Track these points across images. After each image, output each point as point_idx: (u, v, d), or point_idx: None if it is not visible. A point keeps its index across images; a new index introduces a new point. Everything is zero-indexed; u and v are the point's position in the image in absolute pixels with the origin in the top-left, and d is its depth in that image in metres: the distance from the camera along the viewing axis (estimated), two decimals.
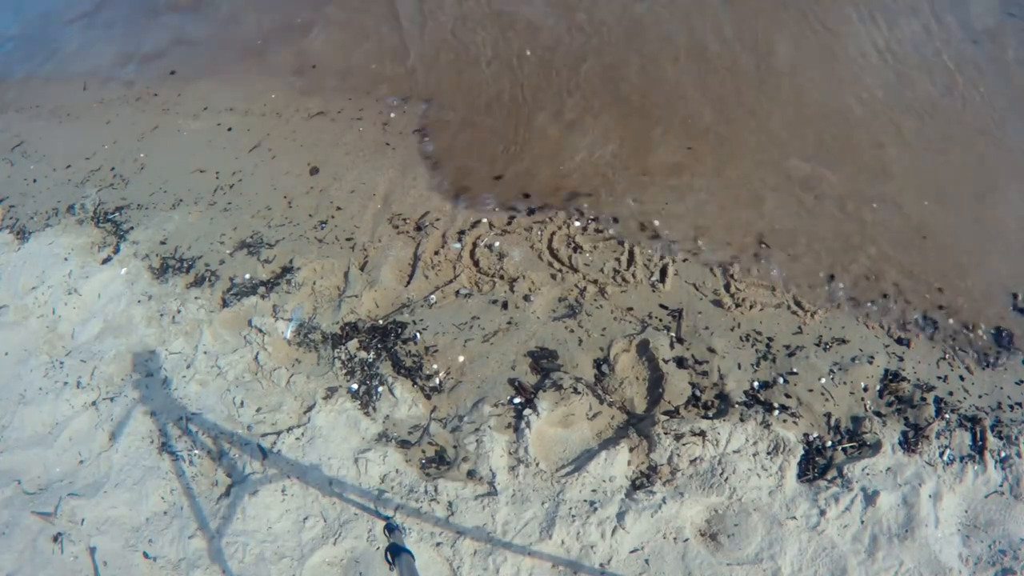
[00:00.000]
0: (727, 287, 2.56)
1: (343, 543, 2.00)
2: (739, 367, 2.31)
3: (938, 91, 3.22)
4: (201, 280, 2.80)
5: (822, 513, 1.95)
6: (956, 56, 3.33)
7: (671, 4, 3.76)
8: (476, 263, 2.71)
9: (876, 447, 2.09)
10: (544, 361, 2.36)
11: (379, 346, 2.47)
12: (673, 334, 2.40)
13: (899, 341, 2.38)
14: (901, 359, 2.33)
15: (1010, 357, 2.33)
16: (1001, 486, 2.03)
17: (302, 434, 2.24)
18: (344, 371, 2.40)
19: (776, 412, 2.18)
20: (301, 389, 2.38)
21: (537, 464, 2.10)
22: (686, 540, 1.95)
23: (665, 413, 2.18)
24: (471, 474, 2.09)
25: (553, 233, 2.79)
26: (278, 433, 2.25)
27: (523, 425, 2.17)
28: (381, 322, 2.55)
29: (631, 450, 2.12)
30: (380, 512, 2.03)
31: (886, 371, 2.29)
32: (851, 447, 2.12)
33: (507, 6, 3.91)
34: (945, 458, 2.07)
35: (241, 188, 3.22)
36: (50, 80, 4.40)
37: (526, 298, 2.56)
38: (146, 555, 2.05)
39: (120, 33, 4.65)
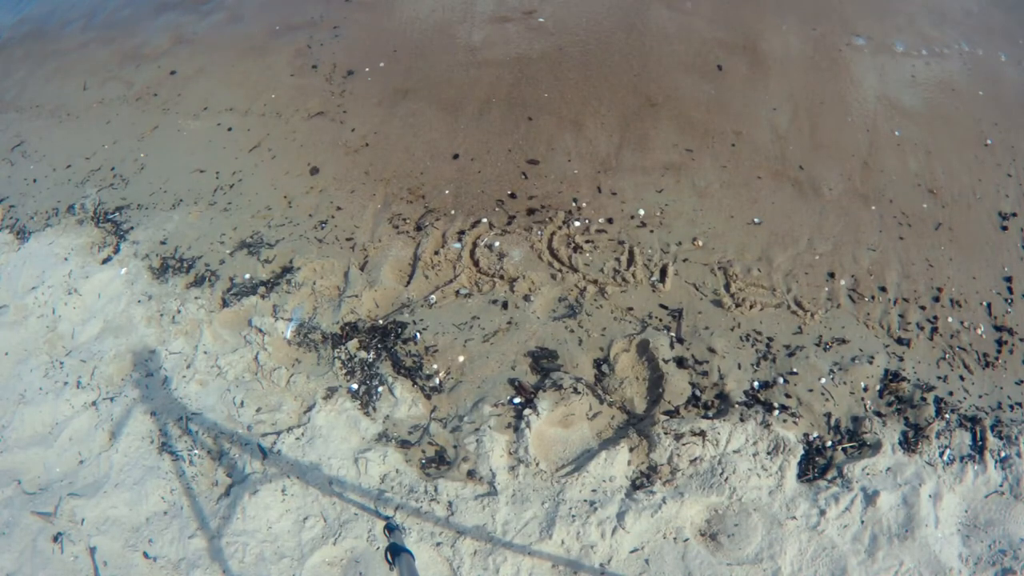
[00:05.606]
0: (727, 287, 2.56)
1: (343, 543, 2.00)
2: (739, 367, 2.31)
3: None
4: (201, 280, 2.80)
5: (822, 513, 1.95)
6: None
7: None
8: (476, 263, 2.71)
9: (876, 447, 2.09)
10: (544, 361, 2.36)
11: (379, 346, 2.47)
12: (673, 334, 2.40)
13: (899, 341, 2.38)
14: (901, 359, 2.33)
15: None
16: (1001, 486, 2.03)
17: (302, 434, 2.24)
18: (344, 371, 2.40)
19: (776, 412, 2.18)
20: (301, 389, 2.38)
21: (537, 464, 2.10)
22: (686, 540, 1.95)
23: (665, 413, 2.18)
24: (471, 474, 2.09)
25: (553, 233, 2.79)
26: (278, 433, 2.25)
27: (523, 425, 2.17)
28: (381, 322, 2.55)
29: (631, 450, 2.12)
30: (380, 512, 2.03)
31: (886, 371, 2.29)
32: (851, 447, 2.12)
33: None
34: (945, 458, 2.07)
35: (241, 188, 3.22)
36: (50, 80, 4.40)
37: (526, 298, 2.56)
38: (146, 555, 2.05)
39: (120, 33, 4.65)
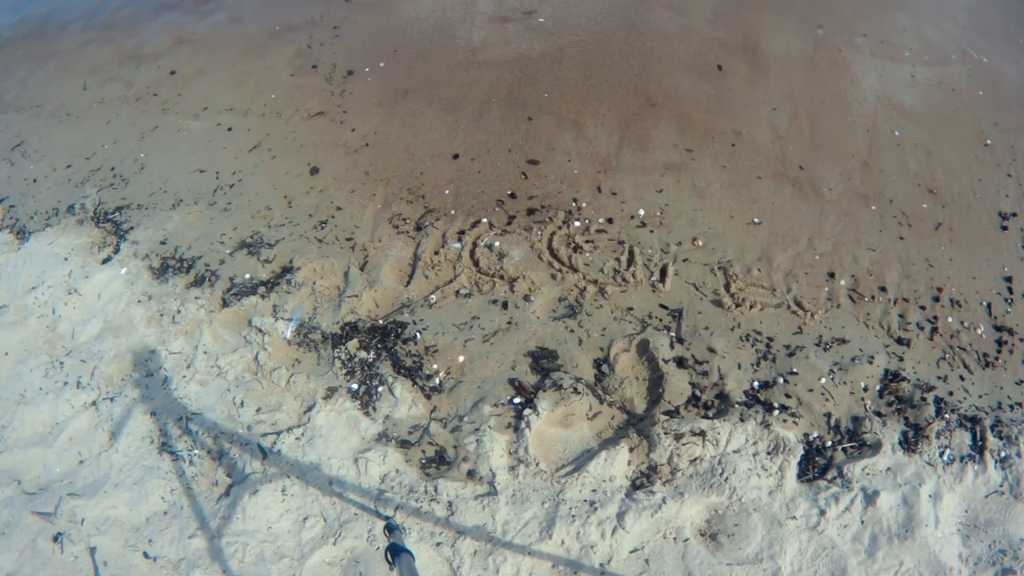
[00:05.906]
0: (727, 287, 2.56)
1: (343, 543, 2.00)
2: (739, 367, 2.31)
3: None
4: (201, 280, 2.80)
5: (822, 513, 1.95)
6: None
7: None
8: (476, 263, 2.71)
9: (876, 447, 2.09)
10: (544, 361, 2.36)
11: (379, 346, 2.47)
12: (673, 334, 2.40)
13: (899, 341, 2.38)
14: (901, 359, 2.33)
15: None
16: (1001, 486, 2.03)
17: (302, 434, 2.24)
18: (344, 371, 2.40)
19: (776, 412, 2.18)
20: (301, 389, 2.38)
21: (537, 464, 2.10)
22: (686, 540, 1.95)
23: (665, 413, 2.18)
24: (471, 474, 2.09)
25: (553, 233, 2.79)
26: (278, 433, 2.25)
27: (523, 425, 2.17)
28: (381, 322, 2.55)
29: (631, 450, 2.12)
30: (380, 512, 2.03)
31: (886, 371, 2.29)
32: (851, 447, 2.12)
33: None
34: (945, 458, 2.07)
35: (241, 188, 3.22)
36: (50, 80, 4.40)
37: (526, 298, 2.56)
38: (146, 555, 2.05)
39: (120, 33, 4.65)
